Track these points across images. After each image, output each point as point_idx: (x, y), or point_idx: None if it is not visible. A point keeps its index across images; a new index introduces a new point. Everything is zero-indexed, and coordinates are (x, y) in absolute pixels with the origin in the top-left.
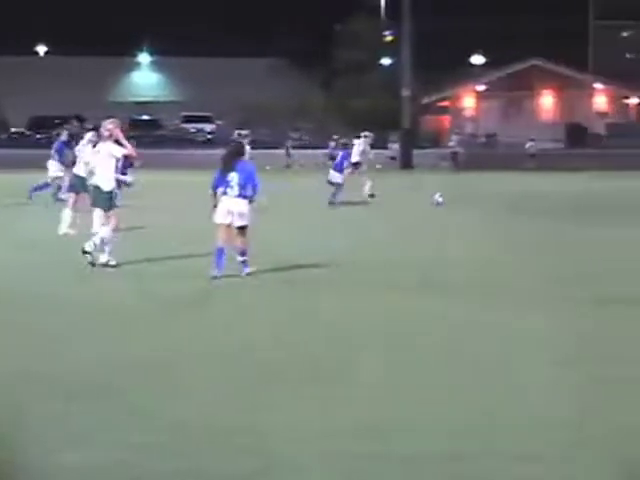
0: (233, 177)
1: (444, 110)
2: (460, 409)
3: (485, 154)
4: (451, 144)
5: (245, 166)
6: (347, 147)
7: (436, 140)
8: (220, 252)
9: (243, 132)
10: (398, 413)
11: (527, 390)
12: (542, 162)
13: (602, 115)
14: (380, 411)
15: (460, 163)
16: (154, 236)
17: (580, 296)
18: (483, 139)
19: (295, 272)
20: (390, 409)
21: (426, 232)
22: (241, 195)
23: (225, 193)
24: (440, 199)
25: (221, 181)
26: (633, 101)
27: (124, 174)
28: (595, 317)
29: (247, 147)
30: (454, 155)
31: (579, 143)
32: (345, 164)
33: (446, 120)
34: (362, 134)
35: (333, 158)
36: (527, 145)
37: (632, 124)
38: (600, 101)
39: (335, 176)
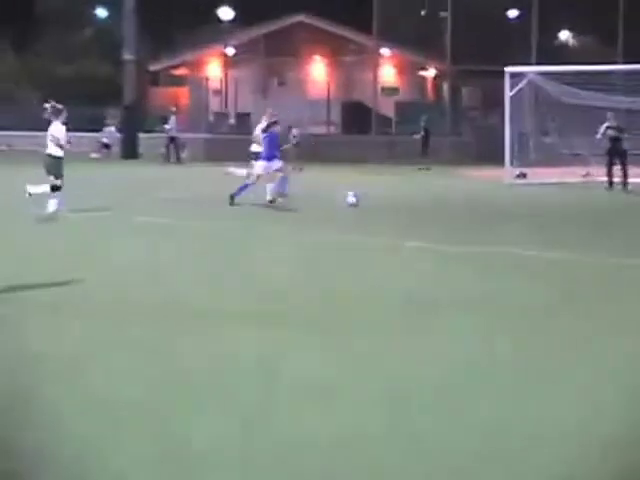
0: None
1: (181, 80)
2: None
3: (234, 141)
4: (167, 127)
5: None
6: (273, 128)
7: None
8: None
9: (57, 106)
10: None
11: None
12: (308, 152)
13: (391, 91)
14: None
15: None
16: None
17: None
18: (232, 120)
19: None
20: None
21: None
22: None
23: None
24: (353, 199)
25: None
26: (430, 73)
27: None
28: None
29: (61, 125)
30: (172, 142)
31: (359, 128)
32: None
33: (184, 94)
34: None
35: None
36: (290, 135)
37: (428, 104)
38: (389, 73)
39: (262, 164)
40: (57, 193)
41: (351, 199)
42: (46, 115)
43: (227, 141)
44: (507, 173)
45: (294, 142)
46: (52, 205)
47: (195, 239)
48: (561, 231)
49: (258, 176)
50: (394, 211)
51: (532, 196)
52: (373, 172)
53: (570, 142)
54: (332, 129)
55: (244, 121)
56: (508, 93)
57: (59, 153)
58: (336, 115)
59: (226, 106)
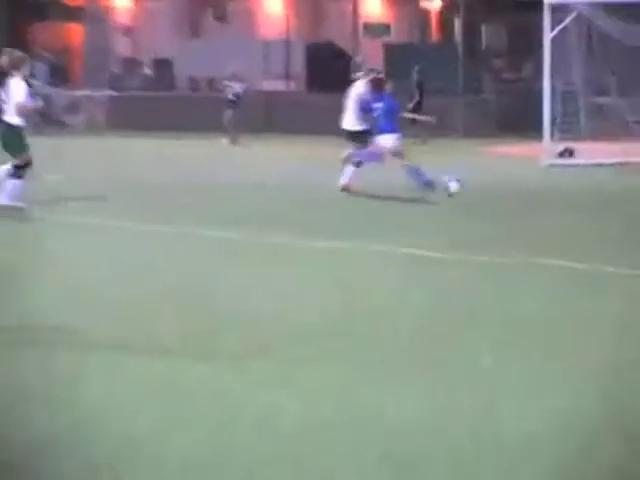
0: None
1: (74, 14)
2: None
3: (150, 100)
4: (36, 82)
5: None
6: (383, 88)
7: (61, 71)
8: None
9: (15, 53)
10: None
11: None
12: (258, 119)
13: (378, 29)
14: None
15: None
16: None
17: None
18: (148, 70)
19: None
20: None
21: None
22: None
23: None
24: (455, 184)
25: None
26: (435, 4)
27: None
28: None
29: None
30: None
31: (332, 83)
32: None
33: (77, 32)
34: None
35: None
36: (229, 92)
37: (432, 47)
38: (374, 3)
39: (387, 139)
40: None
41: (453, 185)
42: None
43: (140, 100)
44: (546, 149)
45: (232, 98)
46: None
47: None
48: (622, 238)
49: (392, 151)
50: (390, 209)
51: (582, 183)
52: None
53: (639, 105)
54: (292, 85)
55: (165, 71)
56: (548, 33)
57: (17, 120)
58: (299, 64)
59: (139, 50)
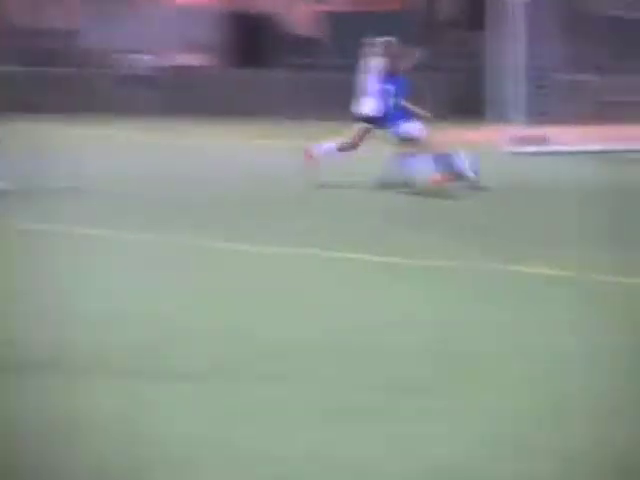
0: None
1: None
2: None
3: (53, 78)
4: None
5: None
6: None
7: None
8: None
9: None
10: None
11: None
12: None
13: None
14: None
15: None
16: None
17: None
18: (41, 41)
19: None
20: None
21: None
22: None
23: None
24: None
25: None
26: None
27: None
28: None
29: None
30: None
31: (255, 56)
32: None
33: None
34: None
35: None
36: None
37: (379, 15)
38: None
39: (409, 128)
40: None
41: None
42: None
43: (31, 78)
44: (509, 134)
45: (143, 74)
46: None
47: None
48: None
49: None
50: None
51: (553, 175)
52: (273, 135)
53: (627, 84)
54: (205, 59)
55: (68, 43)
56: None
57: None
58: (217, 34)
59: (30, 18)
